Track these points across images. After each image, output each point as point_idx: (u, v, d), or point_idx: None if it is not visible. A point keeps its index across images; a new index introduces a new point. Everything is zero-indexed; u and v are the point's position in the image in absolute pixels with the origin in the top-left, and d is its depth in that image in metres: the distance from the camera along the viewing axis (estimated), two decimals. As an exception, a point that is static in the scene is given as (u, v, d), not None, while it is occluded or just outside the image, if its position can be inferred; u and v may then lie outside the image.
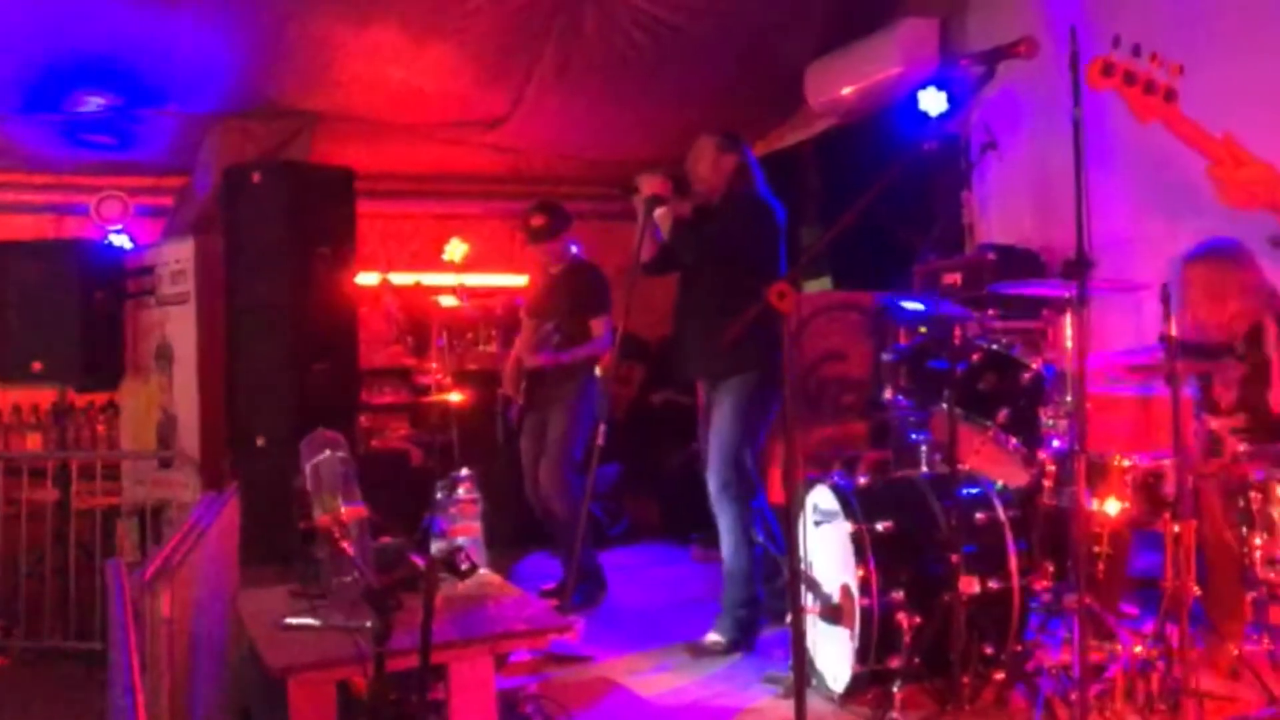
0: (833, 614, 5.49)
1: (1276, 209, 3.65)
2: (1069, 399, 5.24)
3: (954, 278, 7.68)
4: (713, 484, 6.44)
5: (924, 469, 5.98)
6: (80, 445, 9.24)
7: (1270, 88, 6.36)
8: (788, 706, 4.01)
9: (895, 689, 5.19)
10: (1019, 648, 5.37)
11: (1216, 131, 3.63)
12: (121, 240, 9.77)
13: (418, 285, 9.20)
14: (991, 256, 7.53)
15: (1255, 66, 6.45)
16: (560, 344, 7.52)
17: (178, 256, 9.13)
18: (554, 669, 6.09)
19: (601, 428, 6.44)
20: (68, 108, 9.00)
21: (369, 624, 3.42)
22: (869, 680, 5.36)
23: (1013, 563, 5.40)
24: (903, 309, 6.56)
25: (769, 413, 6.44)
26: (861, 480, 5.78)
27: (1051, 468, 5.41)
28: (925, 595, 5.28)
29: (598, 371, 7.56)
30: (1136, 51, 3.47)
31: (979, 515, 5.51)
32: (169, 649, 3.45)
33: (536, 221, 7.66)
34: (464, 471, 5.36)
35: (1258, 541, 4.71)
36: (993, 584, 5.31)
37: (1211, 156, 3.62)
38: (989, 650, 5.28)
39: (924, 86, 7.98)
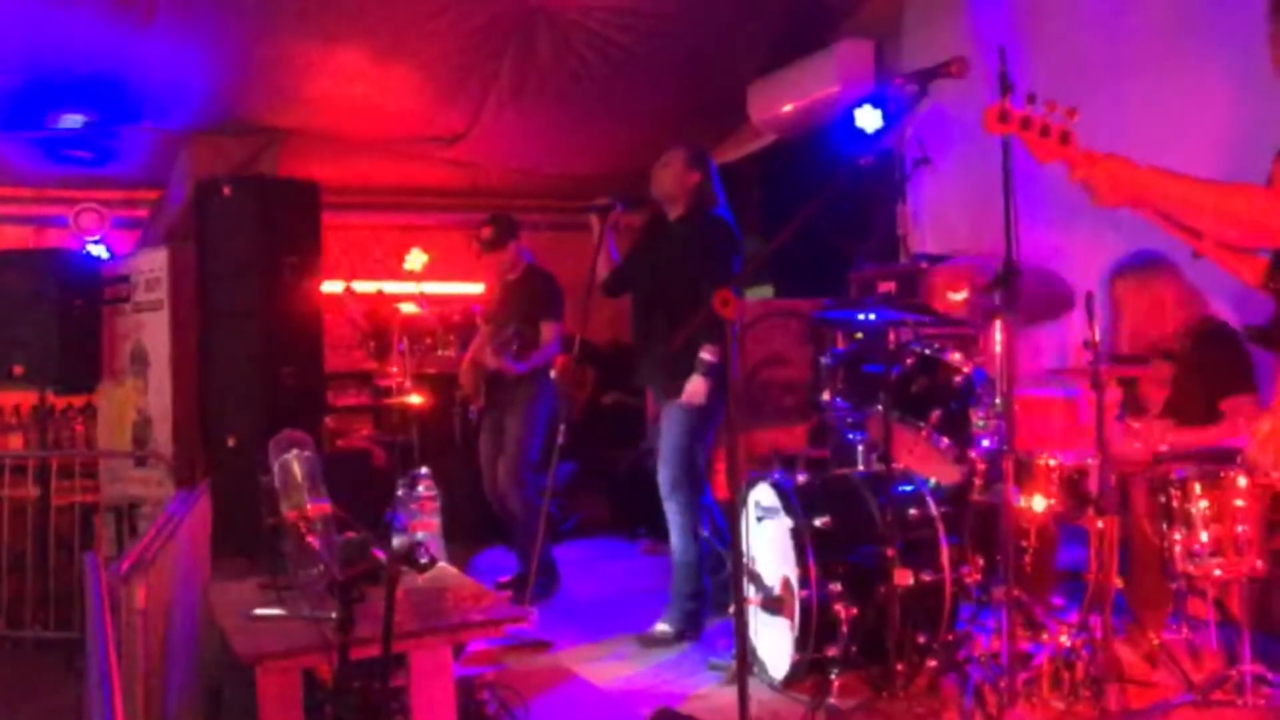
0: (774, 605, 5.48)
1: (1141, 200, 3.64)
2: (998, 401, 5.25)
3: (889, 286, 7.67)
4: (664, 483, 6.42)
5: (860, 467, 5.98)
6: (59, 445, 9.16)
7: (1194, 102, 6.38)
8: (731, 693, 3.98)
9: (833, 676, 5.19)
10: (950, 637, 5.37)
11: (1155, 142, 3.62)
12: (99, 250, 9.68)
13: (380, 293, 9.17)
14: (925, 266, 7.52)
15: (1178, 83, 6.47)
16: (519, 352, 7.48)
17: (152, 265, 9.06)
18: (510, 658, 6.06)
19: (561, 427, 6.49)
20: (48, 125, 8.94)
21: (333, 615, 3.38)
22: (808, 668, 5.34)
23: (945, 556, 5.39)
24: (840, 316, 6.56)
25: (716, 415, 6.42)
26: (801, 478, 5.76)
27: (981, 466, 5.44)
28: (862, 587, 5.27)
29: (552, 375, 7.53)
30: (1031, 99, 3.49)
31: (913, 511, 5.51)
32: (144, 638, 3.42)
33: (485, 234, 7.77)
34: (423, 470, 5.32)
35: (1177, 536, 4.72)
36: (926, 577, 5.31)
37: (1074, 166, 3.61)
38: (922, 639, 5.28)
39: (860, 104, 7.98)
